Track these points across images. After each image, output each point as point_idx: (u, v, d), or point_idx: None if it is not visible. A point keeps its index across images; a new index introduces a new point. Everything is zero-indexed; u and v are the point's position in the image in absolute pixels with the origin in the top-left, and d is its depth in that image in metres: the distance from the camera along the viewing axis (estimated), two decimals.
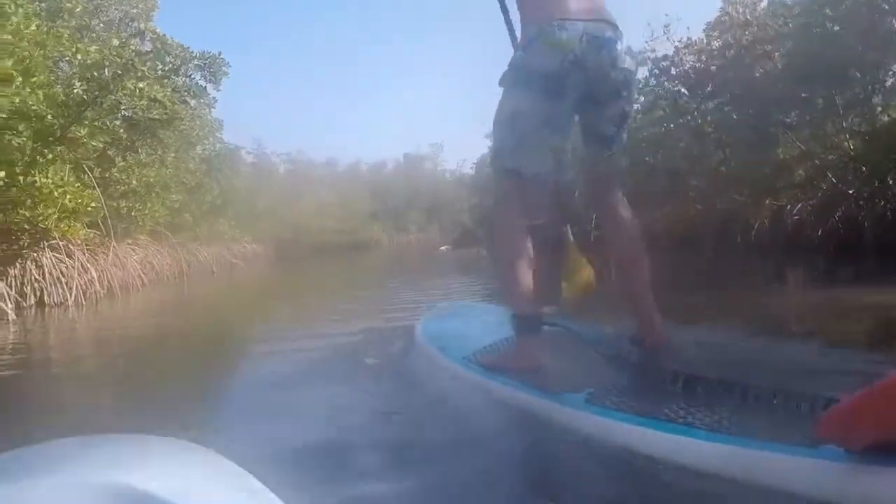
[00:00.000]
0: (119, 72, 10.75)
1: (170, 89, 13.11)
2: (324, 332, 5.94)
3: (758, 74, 14.55)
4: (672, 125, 19.51)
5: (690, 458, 2.04)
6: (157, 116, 12.36)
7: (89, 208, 11.36)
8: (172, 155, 17.70)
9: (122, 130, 13.97)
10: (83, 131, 11.12)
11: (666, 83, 19.43)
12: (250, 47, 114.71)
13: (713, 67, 16.64)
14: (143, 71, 11.28)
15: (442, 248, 29.62)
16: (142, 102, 11.60)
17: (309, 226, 46.68)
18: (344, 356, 4.50)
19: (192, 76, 17.12)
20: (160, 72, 13.61)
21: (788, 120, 14.50)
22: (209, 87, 17.61)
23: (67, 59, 11.39)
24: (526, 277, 2.92)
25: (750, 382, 2.36)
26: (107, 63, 10.67)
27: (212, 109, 22.85)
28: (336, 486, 2.10)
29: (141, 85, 11.08)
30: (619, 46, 2.87)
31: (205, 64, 16.66)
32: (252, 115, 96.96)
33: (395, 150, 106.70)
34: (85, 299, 11.92)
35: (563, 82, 2.81)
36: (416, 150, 77.82)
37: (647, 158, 19.77)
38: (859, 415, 1.69)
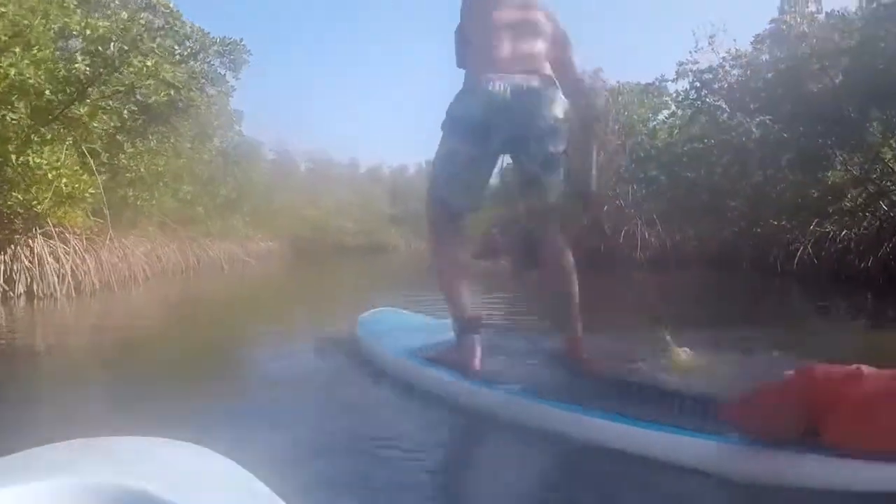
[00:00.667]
0: (126, 47, 9.85)
1: (184, 74, 12.21)
2: (308, 336, 5.92)
3: (815, 90, 13.52)
4: (713, 141, 18.58)
5: (613, 441, 2.47)
6: (164, 99, 11.40)
7: (87, 194, 10.51)
8: (188, 145, 16.82)
9: (126, 114, 13.22)
10: (83, 110, 10.28)
11: (707, 98, 18.54)
12: (281, 41, 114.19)
13: (760, 83, 15.71)
14: (151, 47, 10.37)
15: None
16: (148, 82, 10.68)
17: (327, 225, 46.20)
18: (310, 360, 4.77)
19: (211, 62, 16.43)
20: (178, 56, 12.87)
21: (842, 142, 13.42)
22: (228, 74, 16.96)
23: (76, 32, 10.56)
24: (463, 286, 3.44)
25: (672, 386, 2.78)
26: (113, 38, 9.78)
27: (230, 99, 22.10)
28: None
29: (149, 63, 10.17)
30: (546, 97, 3.24)
31: (225, 50, 15.96)
32: (276, 112, 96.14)
33: (417, 156, 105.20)
34: (78, 292, 11.08)
35: (488, 130, 3.22)
36: None
37: (687, 174, 18.88)
38: (752, 407, 2.20)
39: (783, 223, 15.14)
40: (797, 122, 13.93)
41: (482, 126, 3.22)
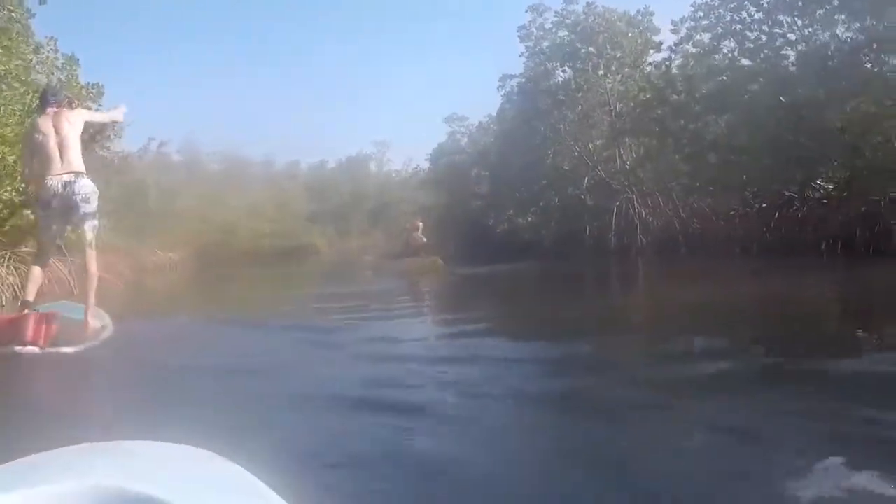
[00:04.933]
0: None
1: None
2: None
3: None
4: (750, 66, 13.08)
5: None
6: None
7: None
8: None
9: None
10: None
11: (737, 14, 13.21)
12: (192, 36, 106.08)
13: None
14: None
15: (367, 257, 23.89)
16: None
17: (238, 228, 40.22)
18: None
19: None
20: None
21: None
22: None
23: None
24: (34, 285, 6.23)
25: None
26: None
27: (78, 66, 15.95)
28: None
29: None
30: (80, 184, 6.16)
31: None
32: (182, 111, 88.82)
33: (337, 153, 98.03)
34: None
35: (51, 204, 6.11)
36: (360, 152, 71.26)
37: (707, 122, 13.58)
38: None
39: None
40: None
41: (47, 202, 6.10)
